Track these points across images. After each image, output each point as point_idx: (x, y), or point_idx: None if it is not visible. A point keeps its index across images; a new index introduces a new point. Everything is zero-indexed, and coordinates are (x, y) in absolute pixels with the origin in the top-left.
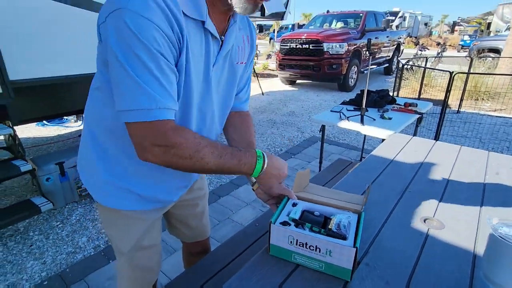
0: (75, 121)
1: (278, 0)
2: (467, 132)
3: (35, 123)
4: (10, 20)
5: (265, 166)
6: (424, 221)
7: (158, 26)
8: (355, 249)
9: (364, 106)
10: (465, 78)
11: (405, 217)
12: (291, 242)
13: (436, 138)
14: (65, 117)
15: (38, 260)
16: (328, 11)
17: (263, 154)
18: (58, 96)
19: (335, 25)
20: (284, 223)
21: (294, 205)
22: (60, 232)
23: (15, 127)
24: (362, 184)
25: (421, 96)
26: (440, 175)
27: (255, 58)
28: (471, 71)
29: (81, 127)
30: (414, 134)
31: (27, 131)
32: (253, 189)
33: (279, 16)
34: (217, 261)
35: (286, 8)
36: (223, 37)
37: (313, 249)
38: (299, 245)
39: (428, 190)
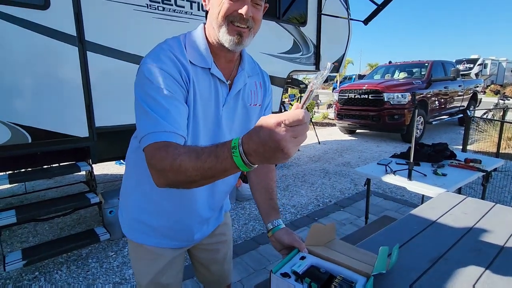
0: None
1: (334, 54)
2: None
3: (115, 162)
4: (102, 80)
5: (243, 151)
6: None
7: (168, 73)
8: None
9: (411, 160)
10: None
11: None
12: None
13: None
14: None
15: (90, 287)
16: (390, 62)
17: (239, 141)
18: (128, 140)
19: (398, 76)
20: (285, 275)
21: (303, 258)
22: (113, 262)
23: (93, 165)
24: (389, 245)
25: (501, 151)
26: (491, 243)
27: (316, 107)
28: None
29: None
30: (482, 197)
31: (107, 168)
32: (268, 236)
33: (335, 69)
34: None
35: (342, 61)
36: (229, 81)
37: None
38: None
39: (470, 260)
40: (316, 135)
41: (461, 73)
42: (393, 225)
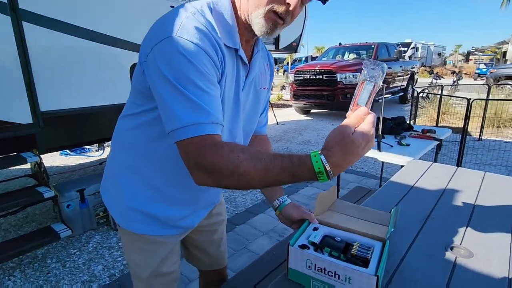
0: (97, 151)
1: (291, 34)
2: (492, 160)
3: (59, 152)
4: (44, 56)
5: (329, 166)
6: (451, 249)
7: (206, 53)
8: (376, 277)
9: (380, 133)
10: (484, 105)
11: (430, 245)
12: (309, 266)
13: (458, 165)
14: (87, 147)
15: None
16: (340, 44)
17: (323, 165)
18: (81, 126)
19: (348, 57)
20: (303, 247)
21: (315, 229)
22: (77, 260)
23: (41, 155)
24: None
25: (439, 124)
26: (464, 202)
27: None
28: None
29: (102, 156)
30: (435, 161)
31: (51, 160)
32: (276, 214)
33: (293, 49)
34: None
35: (299, 40)
36: (248, 63)
37: (331, 275)
38: (318, 270)
39: (453, 217)
40: (275, 116)
41: None
42: (378, 193)
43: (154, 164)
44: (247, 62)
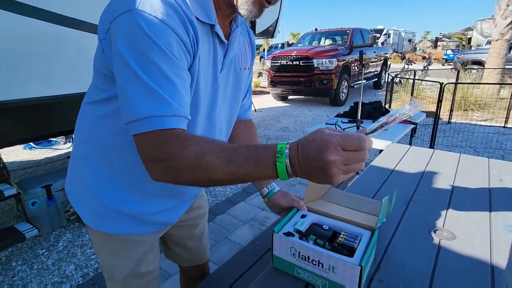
0: (65, 143)
1: (268, 18)
2: (461, 142)
3: (22, 146)
4: None
5: (289, 161)
6: (434, 231)
7: (173, 30)
8: (360, 267)
9: (359, 118)
10: (453, 89)
11: (414, 229)
12: (293, 254)
13: (431, 147)
14: (54, 139)
15: None
16: (316, 29)
17: (286, 146)
18: (45, 116)
19: (324, 42)
20: (288, 234)
21: (303, 216)
22: (46, 261)
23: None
24: (365, 196)
25: None
26: (443, 184)
27: None
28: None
29: (71, 149)
30: (410, 144)
31: (13, 154)
32: (265, 202)
33: (269, 34)
34: (217, 284)
35: (276, 25)
36: (227, 41)
37: (315, 264)
38: (302, 258)
39: (433, 200)
40: (252, 103)
41: None
42: (360, 178)
43: (128, 157)
44: (224, 40)
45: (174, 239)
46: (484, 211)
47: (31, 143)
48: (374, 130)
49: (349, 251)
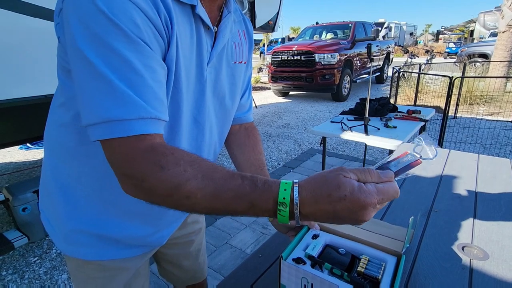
0: None
1: (268, 12)
2: (467, 137)
3: (18, 146)
4: None
5: (299, 213)
6: (463, 249)
7: (138, 7)
8: None
9: (367, 116)
10: (459, 83)
11: (439, 246)
12: (305, 286)
13: (440, 145)
14: None
15: None
16: (317, 23)
17: (293, 196)
18: (41, 117)
19: (325, 36)
20: (298, 261)
21: (315, 237)
22: (38, 270)
23: None
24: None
25: (416, 103)
26: (465, 190)
27: None
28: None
29: None
30: None
31: (9, 155)
32: (269, 220)
33: (269, 28)
34: None
35: (276, 19)
36: (215, 28)
37: None
38: None
39: (457, 209)
40: (253, 99)
41: None
42: None
43: (101, 170)
44: (211, 26)
45: (168, 258)
46: None
47: (28, 144)
48: (399, 174)
49: (373, 283)
